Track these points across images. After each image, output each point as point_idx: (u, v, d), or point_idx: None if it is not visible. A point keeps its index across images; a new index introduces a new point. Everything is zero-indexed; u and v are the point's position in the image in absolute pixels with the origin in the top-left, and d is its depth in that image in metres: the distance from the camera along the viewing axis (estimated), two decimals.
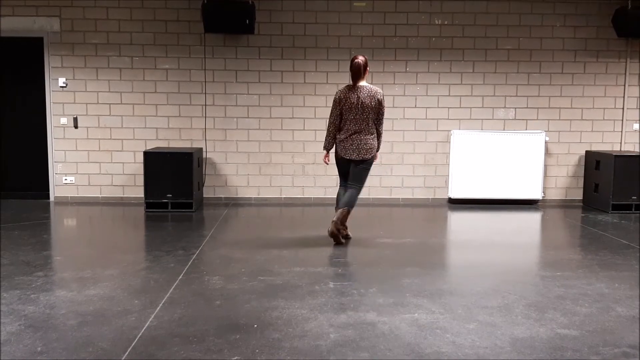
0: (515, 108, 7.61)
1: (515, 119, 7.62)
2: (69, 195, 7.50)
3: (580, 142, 7.71)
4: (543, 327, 3.30)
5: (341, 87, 5.27)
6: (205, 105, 7.45)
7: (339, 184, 5.47)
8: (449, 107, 7.53)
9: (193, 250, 5.00)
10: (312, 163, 7.59)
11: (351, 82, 5.22)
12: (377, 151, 5.34)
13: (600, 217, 6.83)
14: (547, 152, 7.66)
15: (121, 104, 7.40)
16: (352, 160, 5.23)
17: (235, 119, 7.50)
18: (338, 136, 5.23)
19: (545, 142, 7.56)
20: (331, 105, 5.26)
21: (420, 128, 7.54)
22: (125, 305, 3.59)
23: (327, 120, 5.28)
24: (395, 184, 7.64)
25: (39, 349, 2.94)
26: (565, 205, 7.67)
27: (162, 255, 4.80)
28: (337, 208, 5.25)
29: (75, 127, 7.41)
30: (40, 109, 7.40)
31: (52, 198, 7.51)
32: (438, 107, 7.52)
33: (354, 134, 5.15)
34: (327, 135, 5.30)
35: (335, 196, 5.42)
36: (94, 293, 3.82)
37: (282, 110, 7.50)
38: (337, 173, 7.69)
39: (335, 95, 5.21)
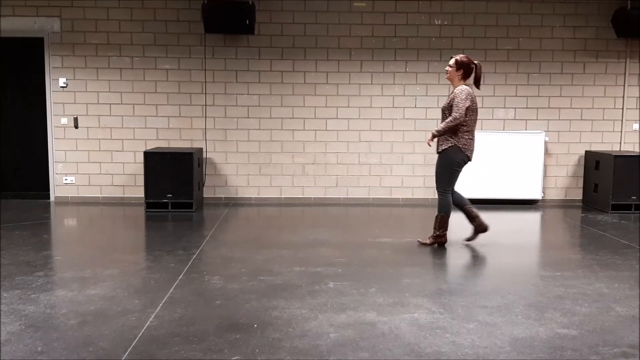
0: (515, 108, 7.62)
1: (514, 119, 7.63)
2: (70, 195, 7.50)
3: (580, 142, 7.72)
4: (543, 327, 3.31)
5: (465, 87, 5.01)
6: (206, 105, 7.46)
7: (448, 191, 5.19)
8: None
9: (193, 250, 5.01)
10: (312, 163, 7.59)
11: (474, 85, 5.08)
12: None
13: (599, 217, 6.83)
14: (547, 152, 7.67)
15: (121, 104, 7.41)
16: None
17: (235, 119, 7.50)
18: (466, 140, 5.00)
19: (545, 142, 7.57)
20: (464, 97, 4.94)
21: (420, 128, 7.54)
22: (126, 305, 3.59)
23: (459, 115, 4.90)
24: (395, 184, 7.65)
25: (40, 348, 2.94)
26: (565, 205, 7.68)
27: (163, 255, 4.81)
28: (468, 208, 5.24)
29: (76, 127, 7.41)
30: (40, 109, 7.41)
31: (52, 198, 7.51)
32: (438, 107, 7.52)
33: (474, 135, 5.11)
34: (448, 127, 4.95)
35: (448, 205, 5.21)
36: (94, 293, 3.82)
37: (282, 110, 7.51)
38: (337, 173, 7.73)
39: (469, 94, 4.97)
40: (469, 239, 5.39)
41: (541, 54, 7.55)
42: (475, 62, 5.08)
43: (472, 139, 5.06)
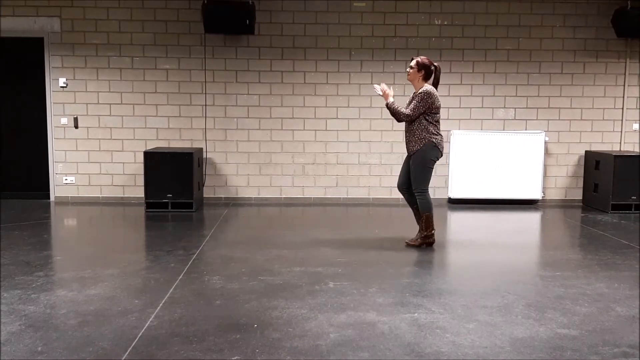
0: (515, 108, 7.62)
1: (515, 119, 7.63)
2: (69, 195, 7.50)
3: (580, 142, 7.72)
4: (543, 327, 3.31)
5: (430, 87, 5.12)
6: (206, 105, 7.46)
7: (427, 189, 5.27)
8: (448, 107, 7.54)
9: (193, 250, 5.01)
10: (312, 163, 7.59)
11: (432, 85, 5.22)
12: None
13: (599, 217, 6.83)
14: (547, 152, 7.67)
15: (121, 104, 7.41)
16: None
17: (235, 119, 7.50)
18: (438, 136, 5.12)
19: (545, 142, 7.57)
20: (425, 101, 5.01)
21: None
22: (126, 305, 3.59)
23: (412, 112, 5.03)
24: (395, 184, 7.63)
25: (39, 348, 2.94)
26: (565, 205, 7.68)
27: (163, 255, 4.81)
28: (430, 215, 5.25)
29: (76, 127, 7.41)
30: (40, 109, 7.41)
31: (52, 198, 7.52)
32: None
33: None
34: (401, 114, 5.05)
35: (430, 203, 5.26)
36: (94, 293, 3.82)
37: (282, 110, 7.51)
38: (337, 173, 7.73)
39: (434, 94, 5.07)
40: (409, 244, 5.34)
41: (541, 54, 7.55)
42: (435, 63, 5.23)
43: (441, 136, 5.21)
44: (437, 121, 5.16)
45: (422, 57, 5.23)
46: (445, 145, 7.52)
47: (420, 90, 5.10)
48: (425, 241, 5.24)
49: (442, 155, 5.23)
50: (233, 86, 7.45)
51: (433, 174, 7.74)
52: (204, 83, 7.43)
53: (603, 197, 7.23)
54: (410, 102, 5.22)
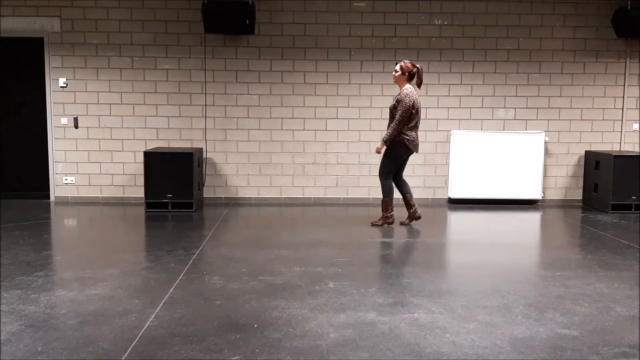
0: (515, 108, 7.62)
1: (515, 119, 7.63)
2: (70, 195, 7.50)
3: (580, 142, 7.72)
4: (543, 327, 3.31)
5: (410, 89, 5.79)
6: (206, 105, 7.46)
7: (389, 177, 6.02)
8: (448, 107, 7.54)
9: (193, 250, 5.01)
10: (312, 163, 7.59)
11: (416, 85, 5.91)
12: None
13: (599, 217, 6.83)
14: (547, 152, 7.67)
15: (121, 104, 7.41)
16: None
17: (235, 119, 7.50)
18: (410, 134, 5.81)
19: (545, 142, 7.57)
20: (406, 107, 5.69)
21: (420, 128, 7.53)
22: (126, 305, 3.59)
23: (400, 118, 5.71)
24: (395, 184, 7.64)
25: (39, 348, 2.95)
26: (564, 205, 7.68)
27: (163, 255, 4.81)
28: (408, 197, 6.09)
29: (76, 127, 7.42)
30: (40, 109, 7.41)
31: (52, 198, 7.52)
32: (438, 107, 7.53)
33: (418, 131, 5.97)
34: (396, 131, 5.75)
35: (390, 190, 6.02)
36: (94, 293, 3.83)
37: (282, 110, 7.51)
38: (337, 173, 7.74)
39: (412, 96, 5.73)
40: (403, 223, 6.22)
41: (541, 54, 7.55)
42: (417, 65, 5.86)
43: (417, 134, 5.92)
44: (413, 121, 5.78)
45: (405, 60, 5.92)
46: (445, 145, 7.57)
47: (398, 95, 5.77)
48: (386, 221, 6.09)
49: (412, 152, 5.95)
50: (233, 86, 7.45)
51: (433, 173, 7.81)
52: (204, 83, 7.43)
53: (603, 197, 7.23)
54: (393, 101, 5.91)
